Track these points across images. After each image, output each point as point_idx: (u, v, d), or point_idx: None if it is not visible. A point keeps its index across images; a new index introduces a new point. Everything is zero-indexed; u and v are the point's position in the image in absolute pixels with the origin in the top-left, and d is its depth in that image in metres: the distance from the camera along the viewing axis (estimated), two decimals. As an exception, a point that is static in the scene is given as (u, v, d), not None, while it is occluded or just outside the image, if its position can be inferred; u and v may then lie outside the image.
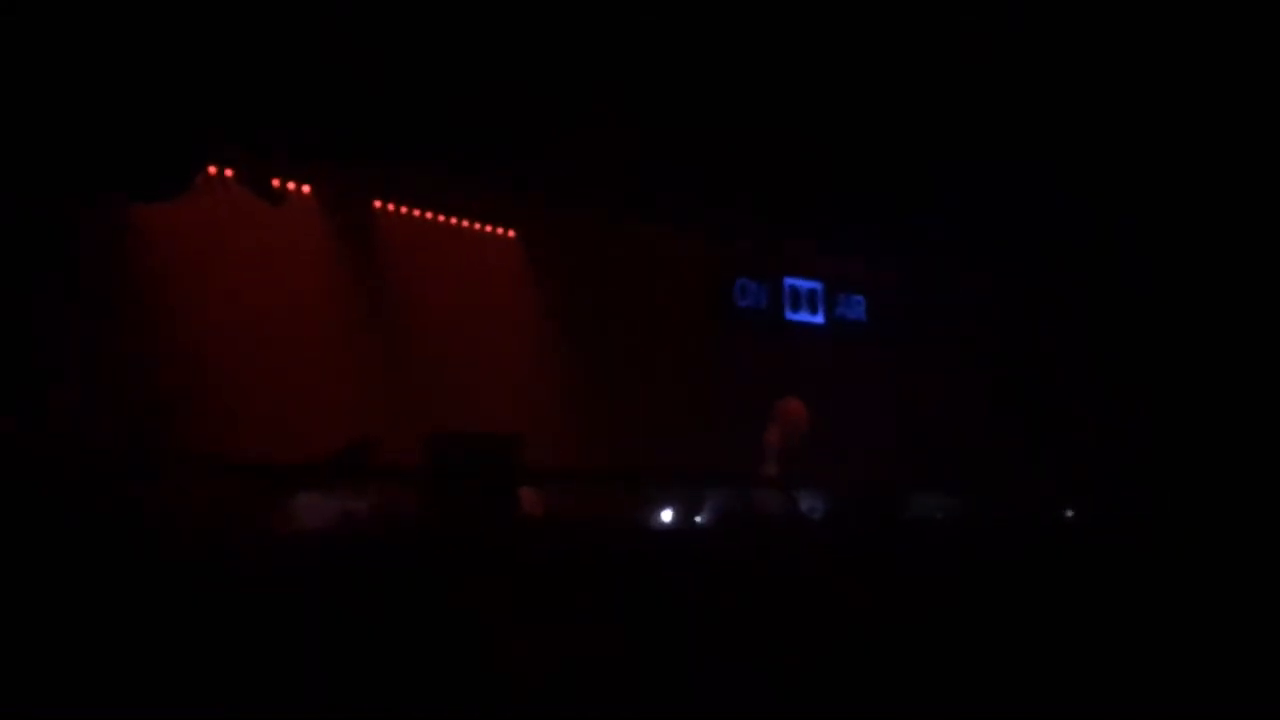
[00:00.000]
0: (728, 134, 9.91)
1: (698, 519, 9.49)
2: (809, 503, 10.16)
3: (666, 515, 9.51)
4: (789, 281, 11.67)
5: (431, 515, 6.78)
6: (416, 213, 10.37)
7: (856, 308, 12.03)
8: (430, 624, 5.08)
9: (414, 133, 9.18)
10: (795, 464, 9.89)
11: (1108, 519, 10.17)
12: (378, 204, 10.11)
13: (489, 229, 10.86)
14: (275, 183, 9.03)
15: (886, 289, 12.21)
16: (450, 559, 6.02)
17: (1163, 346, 11.54)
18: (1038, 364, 11.74)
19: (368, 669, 4.19)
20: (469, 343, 9.98)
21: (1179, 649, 4.15)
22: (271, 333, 8.77)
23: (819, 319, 11.81)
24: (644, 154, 10.00)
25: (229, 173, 8.92)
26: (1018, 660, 4.08)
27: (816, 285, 11.83)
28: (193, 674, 3.86)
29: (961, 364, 11.69)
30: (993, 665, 4.02)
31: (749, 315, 11.40)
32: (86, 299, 7.86)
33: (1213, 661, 4.00)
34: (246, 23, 7.85)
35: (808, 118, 9.86)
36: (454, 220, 10.63)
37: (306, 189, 9.52)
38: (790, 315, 11.63)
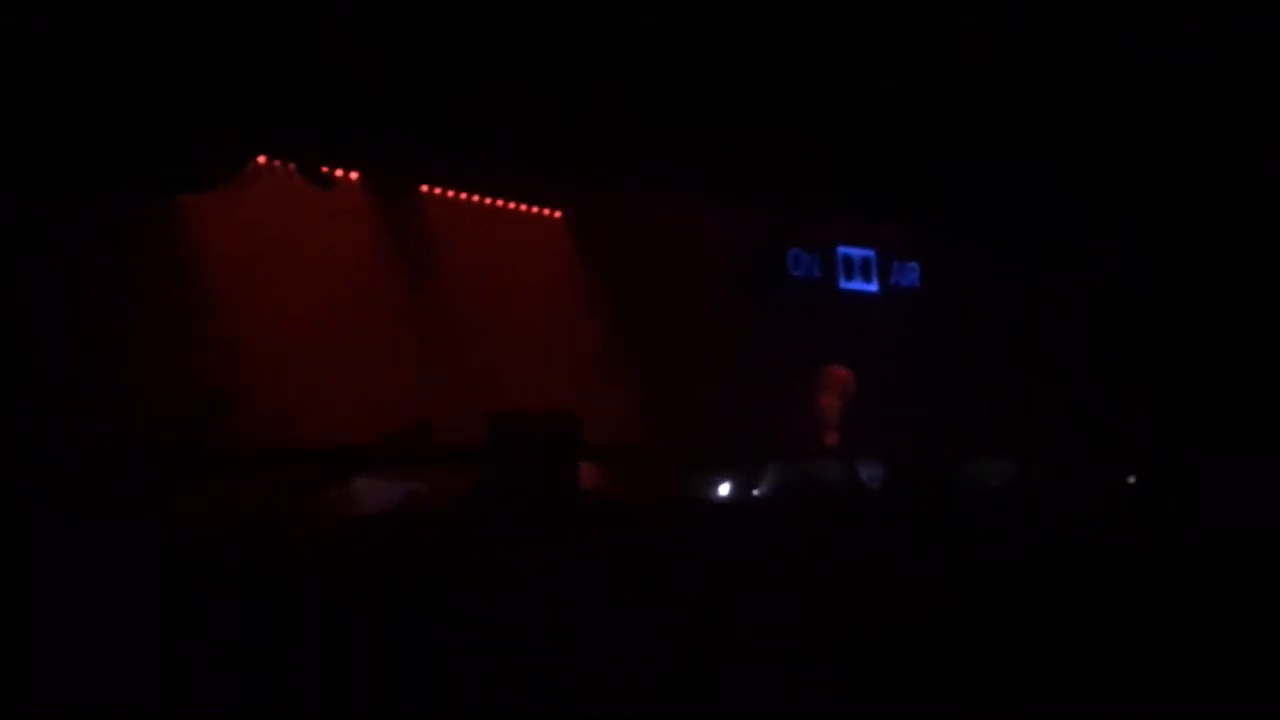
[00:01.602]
0: (773, 103, 9.82)
1: (755, 493, 9.44)
2: (868, 471, 10.07)
3: (724, 489, 9.47)
4: (842, 250, 11.53)
5: (495, 494, 6.77)
6: (463, 196, 10.34)
7: (910, 274, 11.87)
8: (495, 605, 5.06)
9: (456, 116, 9.16)
10: (848, 429, 9.86)
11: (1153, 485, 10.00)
12: (424, 188, 10.08)
13: (535, 210, 10.81)
14: (324, 169, 9.02)
15: (941, 254, 12.03)
16: (514, 538, 6.01)
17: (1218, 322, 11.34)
18: (1089, 334, 11.54)
19: (433, 649, 4.17)
20: (521, 324, 9.96)
21: (1181, 646, 4.06)
22: (325, 319, 8.78)
23: (873, 287, 11.66)
24: (687, 129, 9.93)
25: (277, 162, 8.92)
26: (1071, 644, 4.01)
27: (869, 253, 11.68)
28: (257, 665, 3.84)
29: (1014, 330, 11.51)
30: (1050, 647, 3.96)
31: (803, 285, 11.28)
32: (135, 291, 7.90)
33: (1211, 659, 3.91)
34: (290, 12, 7.86)
35: (857, 86, 9.75)
36: (500, 202, 10.60)
37: (354, 175, 9.51)
38: (844, 284, 11.49)
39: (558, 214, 10.86)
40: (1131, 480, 10.54)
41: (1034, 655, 3.82)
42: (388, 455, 7.06)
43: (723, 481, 9.40)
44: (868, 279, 11.62)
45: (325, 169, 9.06)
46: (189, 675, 3.54)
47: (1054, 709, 3.45)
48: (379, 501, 6.66)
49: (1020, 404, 10.85)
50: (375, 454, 7.02)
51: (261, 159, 8.82)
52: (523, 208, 10.73)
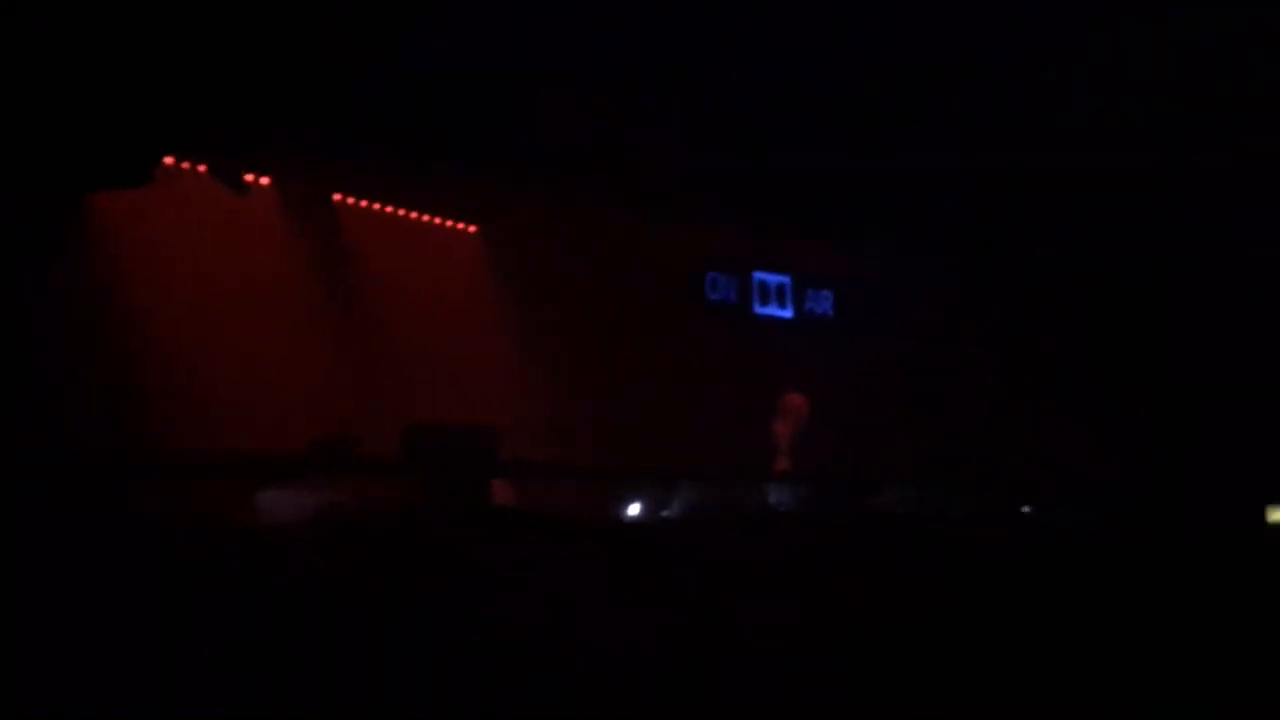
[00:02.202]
0: (695, 123, 9.88)
1: (666, 513, 9.44)
2: (778, 495, 10.15)
3: (635, 509, 9.45)
4: (758, 275, 11.63)
5: (412, 504, 6.65)
6: (377, 206, 10.19)
7: (824, 302, 12.01)
8: (414, 611, 4.96)
9: (373, 125, 9.03)
10: (796, 456, 9.98)
11: (1064, 516, 10.27)
12: (338, 197, 9.91)
13: (449, 223, 10.71)
14: (238, 173, 8.79)
15: (855, 283, 12.21)
16: (432, 547, 5.90)
17: (1135, 343, 11.69)
18: (1004, 357, 11.81)
19: (356, 657, 4.06)
20: (436, 337, 9.82)
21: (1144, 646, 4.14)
22: (234, 326, 8.54)
23: (787, 313, 11.78)
24: (611, 146, 9.94)
25: (185, 165, 8.68)
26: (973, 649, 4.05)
27: (785, 279, 11.80)
28: (178, 668, 3.71)
29: (928, 358, 11.73)
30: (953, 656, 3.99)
31: (719, 308, 11.34)
32: (45, 296, 7.59)
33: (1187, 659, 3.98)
34: (206, 14, 7.66)
35: (770, 112, 9.85)
36: (414, 214, 10.47)
37: (266, 180, 9.30)
38: (759, 309, 11.58)
39: (472, 228, 10.77)
40: (1025, 510, 10.81)
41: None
42: (306, 465, 6.88)
43: (635, 499, 9.38)
44: (783, 305, 11.73)
45: (239, 173, 8.83)
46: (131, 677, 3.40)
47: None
48: (297, 510, 6.47)
49: (931, 431, 11.03)
50: (296, 463, 6.84)
51: (171, 160, 8.56)
52: (437, 220, 10.62)
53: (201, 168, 8.71)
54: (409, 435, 7.09)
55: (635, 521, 9.15)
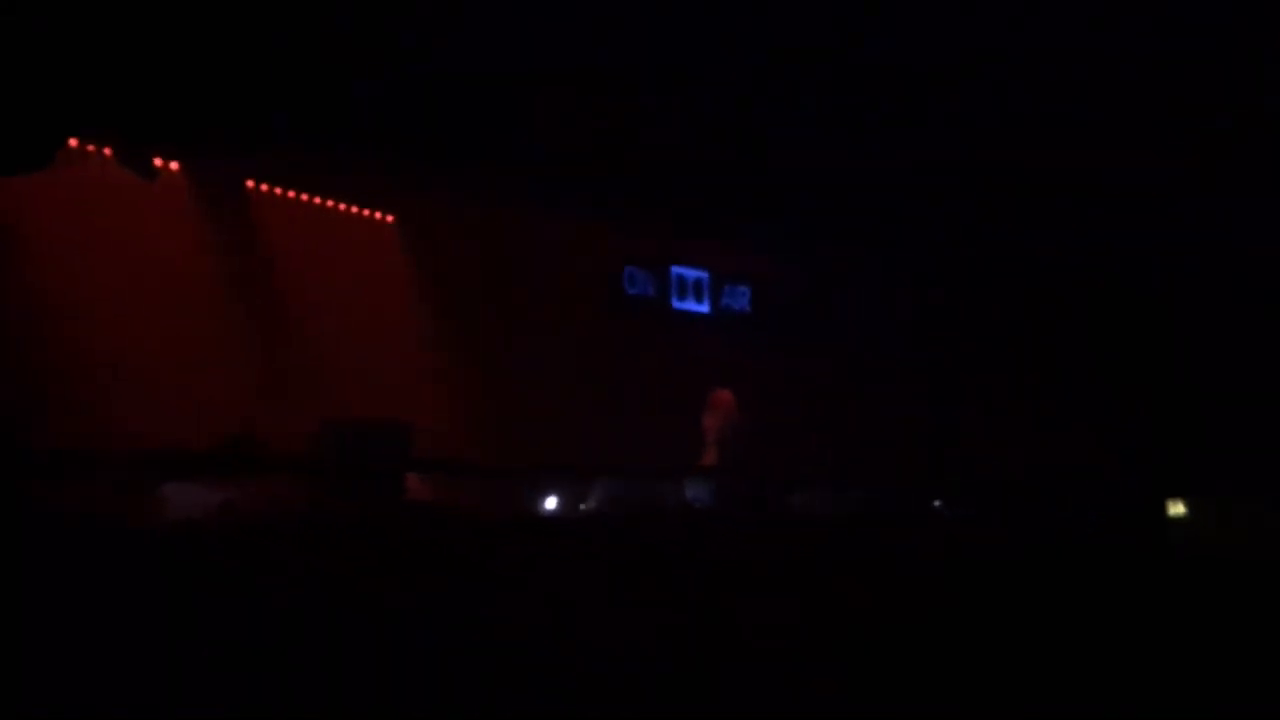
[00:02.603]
0: (612, 116, 9.81)
1: (582, 507, 9.42)
2: (693, 492, 10.17)
3: (551, 503, 9.41)
4: (676, 270, 11.63)
5: (320, 502, 6.53)
6: (291, 194, 9.99)
7: (741, 298, 12.06)
8: (321, 612, 4.89)
9: (285, 110, 8.81)
10: (726, 450, 10.01)
11: (973, 511, 10.44)
12: (250, 184, 9.69)
13: (365, 212, 10.54)
14: (145, 158, 8.55)
15: (772, 279, 12.27)
16: (340, 546, 5.81)
17: (1054, 336, 11.87)
18: (919, 354, 11.95)
19: (256, 661, 4.00)
20: (350, 330, 9.66)
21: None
22: (141, 315, 8.30)
23: (704, 308, 11.80)
24: (529, 137, 9.84)
25: (92, 147, 8.42)
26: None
27: (703, 274, 11.82)
28: (69, 669, 3.63)
29: (845, 354, 11.83)
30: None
31: (637, 303, 11.33)
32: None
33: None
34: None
35: (692, 107, 9.83)
36: (330, 203, 10.28)
37: (175, 165, 9.06)
38: (677, 304, 11.59)
39: (389, 217, 10.61)
40: (938, 504, 10.96)
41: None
42: (207, 462, 6.72)
43: (550, 495, 9.34)
44: (700, 300, 11.75)
45: (147, 158, 8.59)
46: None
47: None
48: (201, 507, 6.31)
49: (850, 428, 11.14)
50: (200, 459, 6.67)
51: (75, 143, 8.29)
52: (353, 209, 10.44)
53: (107, 151, 8.45)
54: (321, 432, 6.95)
55: (553, 516, 9.12)
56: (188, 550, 5.13)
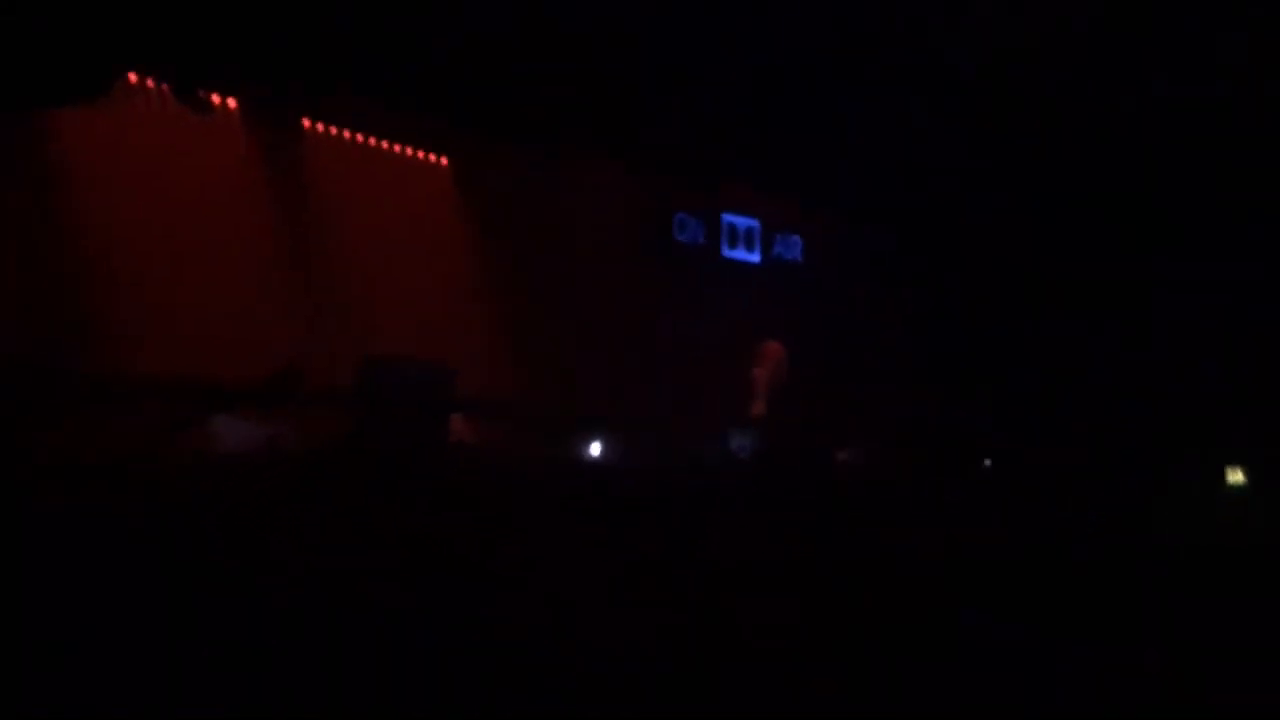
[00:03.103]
0: (667, 66, 9.73)
1: (627, 457, 9.43)
2: (737, 442, 10.14)
3: (595, 449, 9.43)
4: (727, 218, 11.52)
5: (363, 439, 6.60)
6: (347, 134, 10.01)
7: (793, 248, 11.93)
8: (361, 551, 4.94)
9: (346, 51, 8.82)
10: (775, 402, 9.97)
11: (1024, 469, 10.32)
12: (307, 123, 9.73)
13: (420, 154, 10.55)
14: (202, 93, 8.60)
15: (823, 229, 12.12)
16: (383, 485, 5.86)
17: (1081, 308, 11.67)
18: (965, 315, 11.79)
19: (302, 600, 4.04)
20: (400, 269, 9.71)
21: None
22: (193, 250, 8.40)
23: (755, 257, 11.69)
24: (582, 85, 9.78)
25: (150, 82, 8.49)
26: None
27: (754, 223, 11.69)
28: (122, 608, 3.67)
29: (892, 309, 11.70)
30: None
31: (686, 250, 11.24)
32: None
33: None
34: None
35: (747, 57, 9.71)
36: (385, 144, 10.30)
37: (233, 102, 9.12)
38: (727, 252, 11.49)
39: (444, 160, 10.61)
40: (986, 464, 10.85)
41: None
42: (256, 395, 6.81)
43: (594, 443, 9.36)
44: (750, 249, 11.64)
45: (202, 93, 8.64)
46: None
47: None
48: (248, 441, 6.42)
49: (893, 382, 11.04)
50: (246, 394, 6.77)
51: (133, 77, 8.37)
52: (408, 151, 10.45)
53: (165, 86, 8.51)
54: (364, 369, 7.01)
55: (597, 464, 9.15)
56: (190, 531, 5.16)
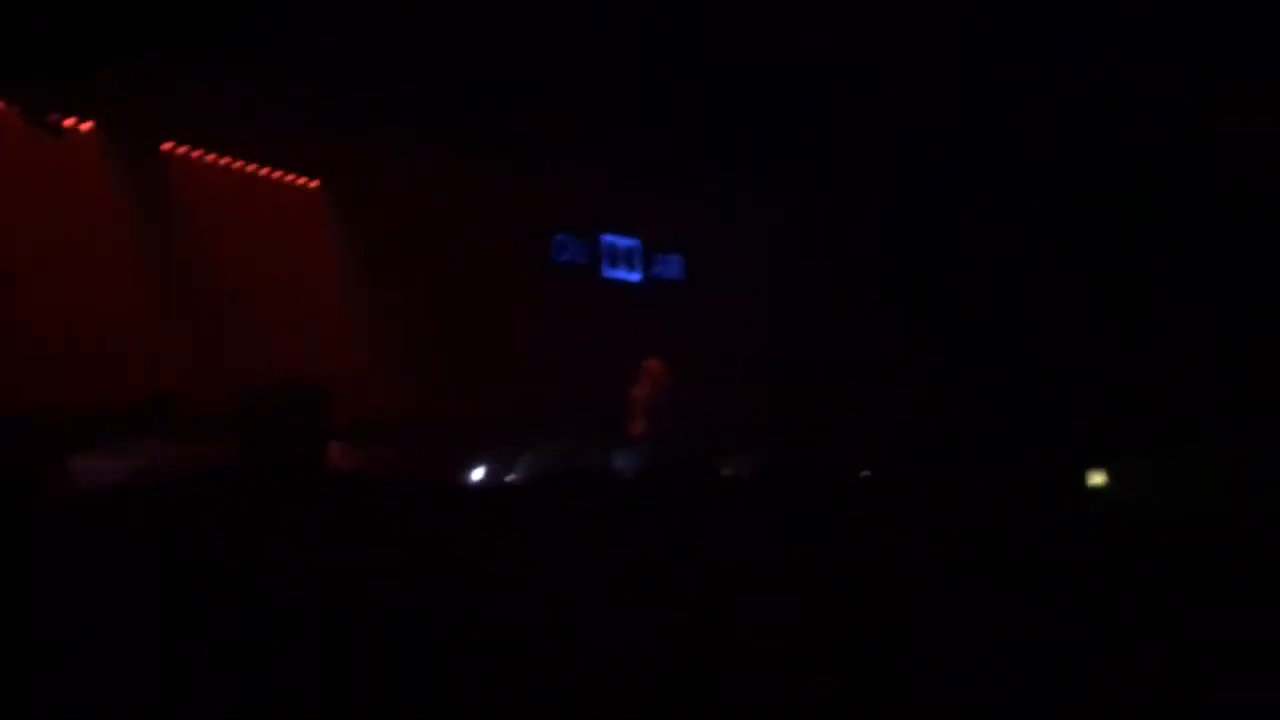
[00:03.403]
0: (548, 84, 9.72)
1: (511, 476, 9.32)
2: (624, 459, 10.11)
3: (479, 472, 9.30)
4: (607, 239, 11.53)
5: (240, 466, 6.37)
6: (211, 157, 9.75)
7: (673, 266, 11.99)
8: (247, 577, 4.76)
9: (204, 69, 8.58)
10: (662, 420, 9.93)
11: (898, 474, 10.50)
12: (167, 146, 9.44)
13: (290, 177, 10.33)
14: (53, 116, 8.27)
15: (702, 248, 12.22)
16: (262, 510, 5.67)
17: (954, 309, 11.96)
18: (844, 320, 11.97)
19: (182, 629, 3.90)
20: (276, 293, 9.48)
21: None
22: (53, 276, 8.04)
23: (636, 276, 11.71)
24: (456, 102, 9.71)
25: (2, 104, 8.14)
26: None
27: (634, 243, 11.73)
28: None
29: (769, 323, 11.83)
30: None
31: (567, 270, 11.21)
32: None
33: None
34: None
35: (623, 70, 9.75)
36: (251, 167, 10.06)
37: (88, 126, 8.80)
38: (608, 272, 11.49)
39: (314, 183, 10.40)
40: (865, 474, 11.00)
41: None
42: (129, 423, 6.53)
43: (480, 462, 9.23)
44: (631, 268, 11.66)
45: (54, 116, 8.31)
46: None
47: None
48: (118, 471, 6.12)
49: (777, 394, 11.14)
50: (117, 422, 6.48)
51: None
52: (276, 174, 10.22)
53: (15, 110, 8.17)
54: (239, 395, 6.80)
55: (481, 484, 9.02)
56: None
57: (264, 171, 10.13)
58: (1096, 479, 10.38)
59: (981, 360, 11.60)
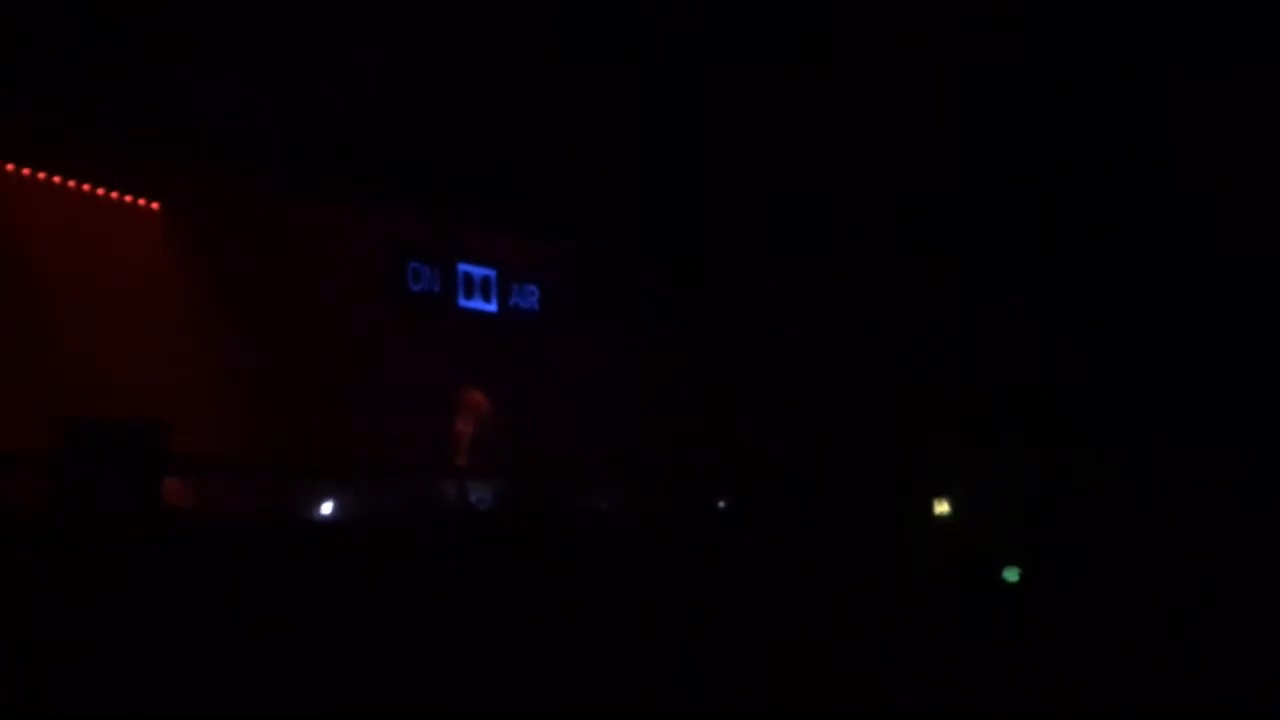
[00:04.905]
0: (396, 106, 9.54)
1: (361, 511, 9.06)
2: (477, 493, 9.95)
3: (327, 508, 9.01)
4: (463, 267, 11.33)
5: (63, 506, 6.00)
6: (40, 176, 9.24)
7: (530, 296, 11.85)
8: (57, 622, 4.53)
9: (41, 80, 8.15)
10: (481, 452, 9.75)
11: (759, 509, 10.57)
12: (-2, 165, 8.93)
13: (128, 198, 9.86)
14: None
15: (560, 277, 12.13)
16: (81, 554, 5.36)
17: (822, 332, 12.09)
18: (706, 352, 12.01)
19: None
20: (110, 322, 9.02)
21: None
22: None
23: (492, 307, 11.54)
24: (306, 122, 9.45)
25: None
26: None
27: (490, 272, 11.55)
28: None
29: (633, 351, 11.79)
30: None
31: (421, 300, 10.97)
32: None
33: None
34: None
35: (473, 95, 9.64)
36: (85, 186, 9.57)
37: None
38: (463, 302, 11.29)
39: (155, 205, 9.95)
40: (722, 505, 11.04)
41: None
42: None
43: (326, 498, 8.93)
44: (487, 298, 11.49)
45: None
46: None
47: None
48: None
49: (636, 424, 11.09)
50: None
51: None
52: (114, 194, 9.74)
53: None
54: (66, 431, 6.40)
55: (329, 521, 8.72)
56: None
57: (100, 191, 9.66)
58: (941, 508, 10.59)
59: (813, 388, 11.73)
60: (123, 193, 9.76)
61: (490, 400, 9.84)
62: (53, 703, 3.67)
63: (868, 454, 11.03)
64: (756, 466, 10.88)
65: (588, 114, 9.74)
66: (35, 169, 9.14)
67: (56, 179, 9.30)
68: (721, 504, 10.90)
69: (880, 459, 10.91)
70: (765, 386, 11.88)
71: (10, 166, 8.98)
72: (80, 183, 9.45)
